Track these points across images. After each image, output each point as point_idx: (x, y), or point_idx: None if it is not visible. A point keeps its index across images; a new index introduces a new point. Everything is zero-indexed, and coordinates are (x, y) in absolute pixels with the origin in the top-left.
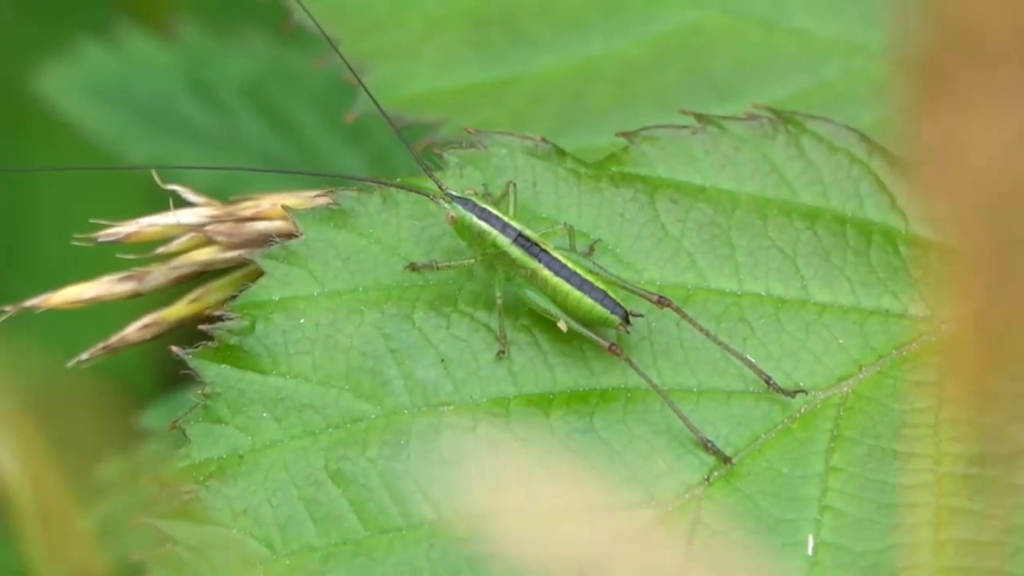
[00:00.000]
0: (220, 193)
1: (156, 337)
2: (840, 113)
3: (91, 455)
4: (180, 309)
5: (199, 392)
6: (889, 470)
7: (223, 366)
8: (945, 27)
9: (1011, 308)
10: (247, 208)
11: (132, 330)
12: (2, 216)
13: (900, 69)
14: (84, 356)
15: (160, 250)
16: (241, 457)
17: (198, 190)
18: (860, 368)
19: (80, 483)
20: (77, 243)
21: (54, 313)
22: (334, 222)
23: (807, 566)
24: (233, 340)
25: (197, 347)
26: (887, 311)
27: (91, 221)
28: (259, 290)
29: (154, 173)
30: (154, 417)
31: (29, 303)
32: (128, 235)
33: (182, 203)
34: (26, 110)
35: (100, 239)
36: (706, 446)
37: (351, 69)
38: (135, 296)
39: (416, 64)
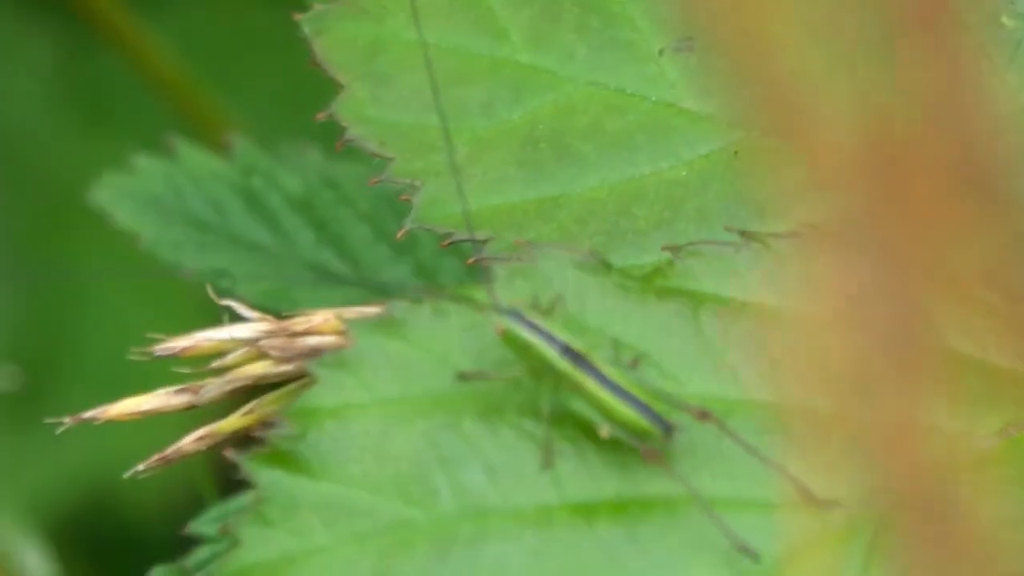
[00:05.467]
0: (272, 302)
1: (210, 448)
2: None
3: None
4: (234, 421)
5: (251, 496)
6: None
7: (276, 471)
8: None
9: None
10: (300, 323)
11: (187, 442)
12: (53, 322)
13: None
14: (140, 467)
15: (215, 364)
16: (292, 561)
17: (251, 302)
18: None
19: None
20: (134, 356)
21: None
22: (385, 332)
23: None
24: (285, 446)
25: (250, 452)
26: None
27: (147, 335)
28: (312, 397)
29: (209, 289)
30: (205, 524)
31: (88, 415)
32: (184, 349)
33: (236, 317)
34: (82, 221)
35: (157, 352)
36: (743, 551)
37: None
38: (190, 408)
39: (466, 182)
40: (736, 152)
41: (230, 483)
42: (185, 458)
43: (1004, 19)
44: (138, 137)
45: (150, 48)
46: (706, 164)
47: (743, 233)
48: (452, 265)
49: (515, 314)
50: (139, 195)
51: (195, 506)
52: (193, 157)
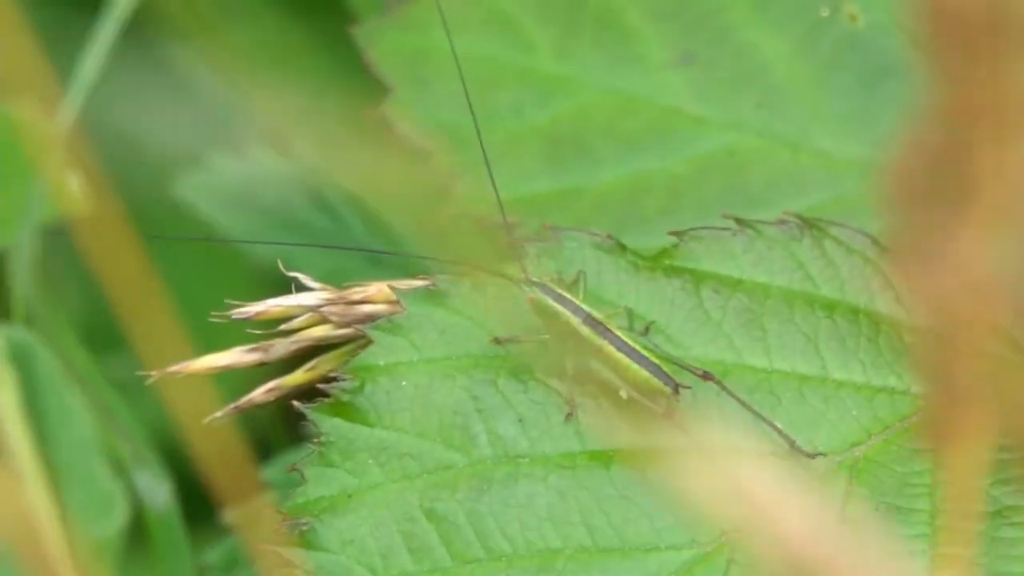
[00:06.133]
0: (331, 282)
1: (277, 400)
2: (853, 222)
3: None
4: (298, 376)
5: (315, 440)
6: (893, 522)
7: (336, 419)
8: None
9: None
10: (357, 293)
11: (258, 393)
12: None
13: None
14: (218, 414)
15: (283, 327)
16: (350, 496)
17: (314, 278)
18: (870, 436)
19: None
20: (214, 319)
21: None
22: (432, 300)
23: None
24: (346, 398)
25: (315, 402)
26: (893, 388)
27: (226, 301)
28: (368, 356)
29: (279, 263)
30: (273, 472)
31: (172, 369)
32: (257, 313)
33: (301, 287)
34: (168, 212)
35: (234, 316)
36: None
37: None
38: (260, 365)
39: (497, 175)
40: (731, 151)
41: (295, 440)
42: (255, 408)
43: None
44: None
45: (221, 52)
46: (705, 161)
47: (738, 220)
48: (483, 252)
49: (543, 287)
50: (216, 190)
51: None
52: (263, 157)
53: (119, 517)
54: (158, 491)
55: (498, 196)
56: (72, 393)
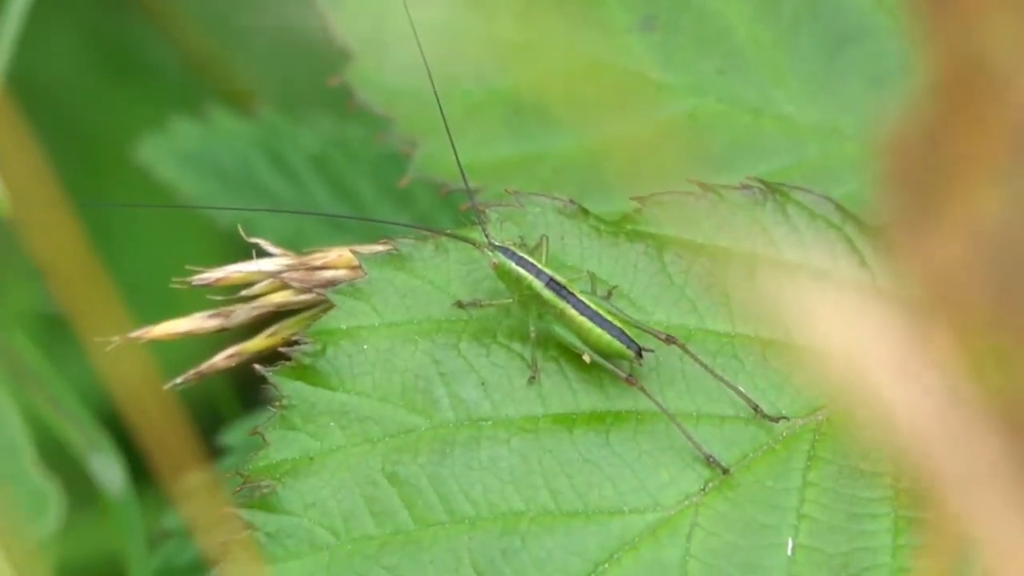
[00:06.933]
0: (292, 246)
1: (238, 365)
2: (816, 187)
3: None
4: (259, 342)
5: (277, 403)
6: (856, 485)
7: (298, 383)
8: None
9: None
10: (317, 258)
11: (219, 359)
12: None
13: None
14: (179, 380)
15: (244, 292)
16: (311, 459)
17: (275, 243)
18: (833, 400)
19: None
20: (175, 285)
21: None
22: (393, 265)
23: (787, 564)
24: (307, 361)
25: (277, 366)
26: None
27: (187, 267)
28: (330, 320)
29: (240, 228)
30: (233, 436)
31: (134, 334)
32: (217, 279)
33: (262, 253)
34: (128, 176)
35: (194, 282)
36: (708, 460)
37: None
38: (221, 331)
39: (460, 140)
40: (693, 116)
41: (254, 403)
42: (216, 373)
43: None
44: (167, 99)
45: (181, 17)
46: (667, 126)
47: (701, 185)
48: (446, 217)
49: (506, 251)
50: (177, 153)
51: (215, 425)
52: (224, 120)
53: (53, 517)
54: (113, 476)
55: (459, 161)
56: None
